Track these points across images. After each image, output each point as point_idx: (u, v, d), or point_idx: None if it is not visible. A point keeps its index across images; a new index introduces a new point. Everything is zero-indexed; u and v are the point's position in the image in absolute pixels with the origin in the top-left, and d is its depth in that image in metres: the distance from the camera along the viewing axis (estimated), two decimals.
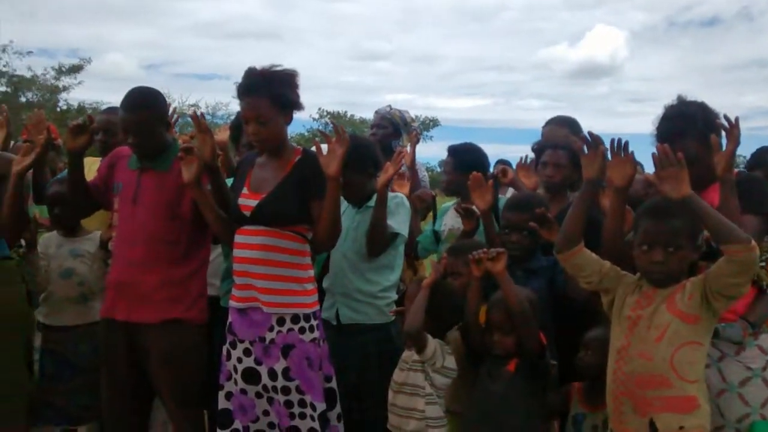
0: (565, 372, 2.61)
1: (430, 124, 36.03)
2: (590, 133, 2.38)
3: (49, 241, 3.25)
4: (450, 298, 2.63)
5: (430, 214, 4.07)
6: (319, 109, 34.09)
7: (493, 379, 2.47)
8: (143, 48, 46.41)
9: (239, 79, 2.61)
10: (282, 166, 2.63)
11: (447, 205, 3.62)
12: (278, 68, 2.59)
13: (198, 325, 2.80)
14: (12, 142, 3.51)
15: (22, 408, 2.97)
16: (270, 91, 2.54)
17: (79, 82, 25.16)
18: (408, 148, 3.99)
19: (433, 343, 2.48)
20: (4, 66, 23.41)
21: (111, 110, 3.72)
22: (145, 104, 2.75)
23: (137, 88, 2.82)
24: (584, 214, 2.32)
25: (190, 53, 49.96)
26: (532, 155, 3.60)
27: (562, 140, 3.39)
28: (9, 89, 23.13)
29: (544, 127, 3.83)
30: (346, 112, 34.72)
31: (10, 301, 2.94)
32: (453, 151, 3.55)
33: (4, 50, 23.19)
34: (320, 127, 30.36)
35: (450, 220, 3.47)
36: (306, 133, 30.41)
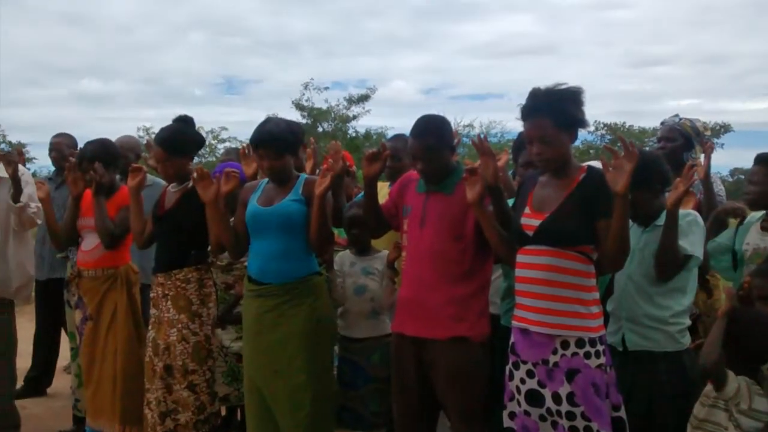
0: None
1: (721, 130, 32.52)
2: None
3: (343, 259, 3.56)
4: (756, 327, 2.33)
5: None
6: (595, 121, 32.67)
7: None
8: (423, 73, 49.26)
9: (513, 97, 2.64)
10: (566, 184, 2.57)
11: (751, 219, 3.23)
12: (562, 87, 2.54)
13: (481, 343, 2.86)
14: (317, 170, 3.94)
15: (333, 411, 3.26)
16: (553, 110, 2.50)
17: (367, 111, 27.46)
18: (701, 159, 3.66)
19: (735, 381, 2.22)
20: (306, 101, 26.67)
21: (397, 138, 3.99)
22: (432, 131, 2.88)
23: (425, 116, 2.96)
24: None
25: (465, 75, 51.79)
26: None
27: None
28: (309, 121, 26.14)
29: None
30: (624, 122, 32.72)
31: (326, 312, 3.23)
32: (765, 159, 3.15)
33: (306, 87, 26.55)
34: (596, 141, 29.21)
35: (755, 239, 3.10)
36: (580, 146, 29.41)
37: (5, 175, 3.95)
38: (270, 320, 3.12)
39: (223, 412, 4.15)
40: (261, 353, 3.15)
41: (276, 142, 3.13)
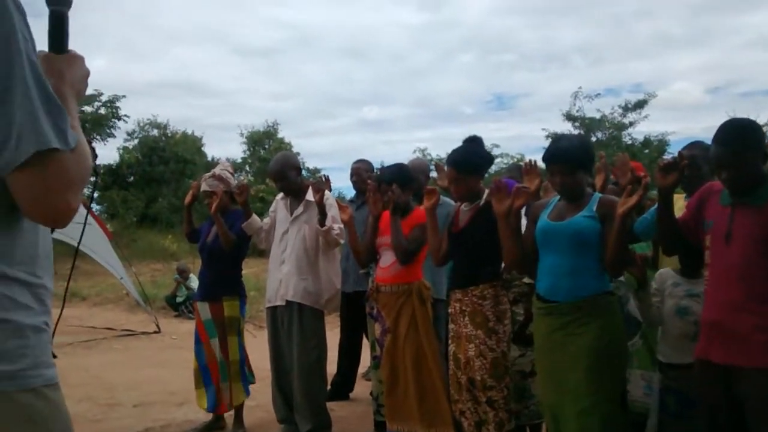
0: None
1: None
2: None
3: (664, 278, 3.33)
4: None
5: None
6: None
7: None
8: (705, 72, 44.27)
9: None
10: None
11: None
12: None
13: None
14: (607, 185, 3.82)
15: None
16: None
17: (644, 116, 25.80)
18: None
19: None
20: (577, 111, 25.92)
21: (694, 145, 3.69)
22: (740, 137, 2.63)
23: (731, 120, 2.74)
24: None
25: (756, 69, 45.30)
26: None
27: None
28: (581, 131, 25.35)
29: None
30: None
31: (617, 334, 3.10)
32: None
33: (575, 96, 25.79)
34: None
35: None
36: None
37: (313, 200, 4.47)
38: (559, 339, 3.09)
39: None
40: (551, 373, 3.13)
41: (569, 159, 3.11)
